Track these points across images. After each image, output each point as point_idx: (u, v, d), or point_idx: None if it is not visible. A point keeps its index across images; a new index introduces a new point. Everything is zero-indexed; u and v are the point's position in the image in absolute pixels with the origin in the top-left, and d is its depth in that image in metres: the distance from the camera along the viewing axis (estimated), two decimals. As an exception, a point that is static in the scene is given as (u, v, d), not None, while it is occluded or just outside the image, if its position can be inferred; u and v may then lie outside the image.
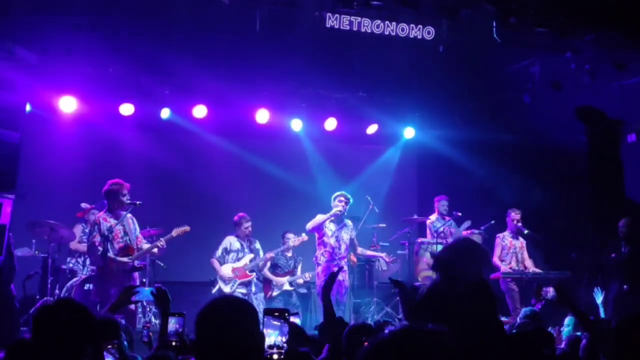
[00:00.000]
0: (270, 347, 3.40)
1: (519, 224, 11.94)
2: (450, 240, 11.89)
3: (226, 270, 11.29)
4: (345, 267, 10.99)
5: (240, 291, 11.17)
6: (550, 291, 11.17)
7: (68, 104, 11.53)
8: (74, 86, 11.23)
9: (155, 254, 10.22)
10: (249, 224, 11.46)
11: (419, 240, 12.47)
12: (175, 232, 10.02)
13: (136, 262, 9.50)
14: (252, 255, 11.44)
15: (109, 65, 10.87)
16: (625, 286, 10.93)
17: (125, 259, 9.31)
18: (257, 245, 11.60)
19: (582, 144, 13.40)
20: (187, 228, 10.11)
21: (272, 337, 3.48)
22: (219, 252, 11.42)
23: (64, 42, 9.99)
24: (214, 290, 11.23)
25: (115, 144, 12.05)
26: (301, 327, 5.24)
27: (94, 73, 10.81)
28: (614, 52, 11.22)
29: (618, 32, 10.64)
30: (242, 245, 11.47)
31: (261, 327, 3.50)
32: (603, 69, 11.38)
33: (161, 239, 9.88)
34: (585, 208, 12.91)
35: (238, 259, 11.39)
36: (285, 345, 3.42)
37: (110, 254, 9.20)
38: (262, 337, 3.27)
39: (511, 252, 11.94)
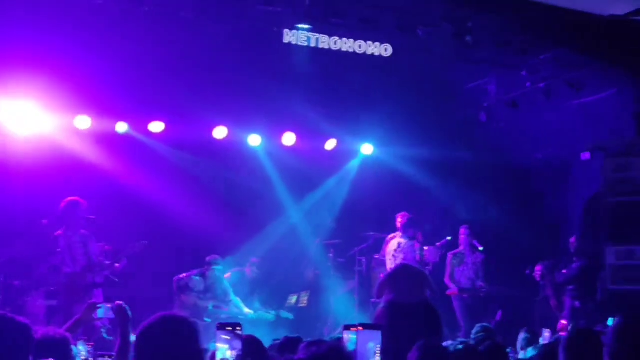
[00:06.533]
0: (220, 361, 3.40)
1: (474, 241, 11.99)
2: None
3: (190, 300, 11.23)
4: None
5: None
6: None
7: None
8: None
9: (116, 269, 10.11)
10: (220, 267, 11.49)
11: (376, 256, 12.45)
12: (133, 248, 9.97)
13: (97, 279, 9.47)
14: (214, 302, 11.37)
15: (65, 78, 10.73)
16: (577, 303, 11.06)
17: (86, 275, 9.31)
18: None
19: (537, 161, 13.58)
20: (145, 243, 10.05)
21: (225, 351, 3.49)
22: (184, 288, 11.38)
23: (17, 53, 9.84)
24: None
25: (70, 158, 11.87)
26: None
27: (49, 85, 10.66)
28: (570, 71, 11.40)
29: (573, 52, 10.82)
30: (206, 287, 11.39)
31: (213, 342, 3.53)
32: (558, 88, 11.55)
33: (121, 256, 9.84)
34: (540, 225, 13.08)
35: (200, 299, 11.30)
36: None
37: (71, 271, 9.19)
38: (200, 354, 3.30)
39: (462, 269, 11.97)
